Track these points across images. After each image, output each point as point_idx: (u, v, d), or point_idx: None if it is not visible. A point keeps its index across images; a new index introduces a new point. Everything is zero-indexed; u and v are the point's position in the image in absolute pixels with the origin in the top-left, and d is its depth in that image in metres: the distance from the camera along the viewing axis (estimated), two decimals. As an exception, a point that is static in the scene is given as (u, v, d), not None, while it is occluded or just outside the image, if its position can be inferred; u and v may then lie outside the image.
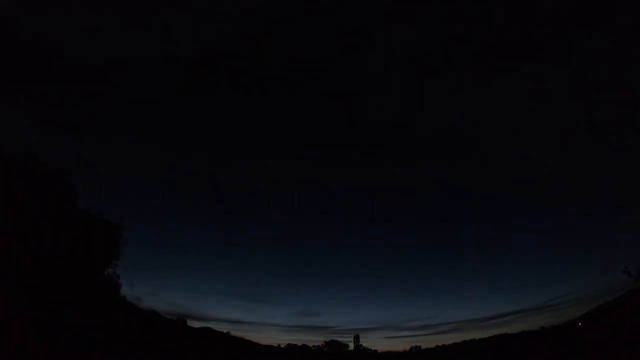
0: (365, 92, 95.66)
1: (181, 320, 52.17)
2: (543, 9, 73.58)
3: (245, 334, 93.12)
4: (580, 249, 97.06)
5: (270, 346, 71.62)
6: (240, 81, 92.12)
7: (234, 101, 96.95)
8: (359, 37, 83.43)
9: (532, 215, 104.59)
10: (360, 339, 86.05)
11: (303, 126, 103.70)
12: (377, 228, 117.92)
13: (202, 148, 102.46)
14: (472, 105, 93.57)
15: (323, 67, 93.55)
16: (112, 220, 33.43)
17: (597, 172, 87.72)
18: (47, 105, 69.03)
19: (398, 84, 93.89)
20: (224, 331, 61.50)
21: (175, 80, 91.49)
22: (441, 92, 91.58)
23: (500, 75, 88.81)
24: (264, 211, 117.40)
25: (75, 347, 21.59)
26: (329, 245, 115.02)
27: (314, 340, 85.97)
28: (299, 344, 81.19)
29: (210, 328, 58.31)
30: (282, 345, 77.42)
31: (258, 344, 66.35)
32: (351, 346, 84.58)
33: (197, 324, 58.87)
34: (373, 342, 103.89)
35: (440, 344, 79.27)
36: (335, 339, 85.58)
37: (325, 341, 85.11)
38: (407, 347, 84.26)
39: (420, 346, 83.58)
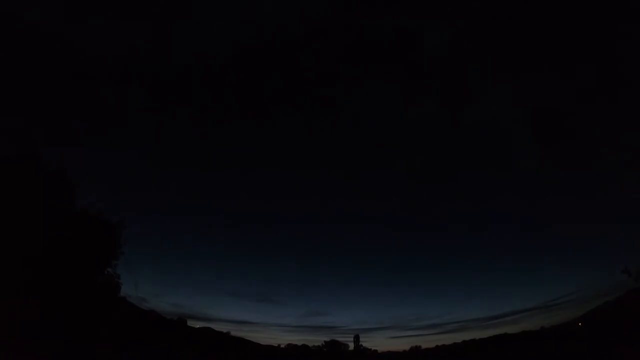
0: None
1: (181, 320, 52.15)
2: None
3: (251, 334, 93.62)
4: (580, 249, 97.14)
5: (271, 346, 71.66)
6: (249, 84, 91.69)
7: (238, 104, 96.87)
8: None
9: (532, 216, 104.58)
10: (367, 339, 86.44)
11: (308, 130, 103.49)
12: (381, 229, 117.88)
13: (207, 147, 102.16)
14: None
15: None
16: (112, 220, 33.45)
17: (597, 172, 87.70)
18: (48, 105, 68.97)
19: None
20: (224, 331, 61.55)
21: (175, 81, 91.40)
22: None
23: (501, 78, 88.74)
24: (271, 212, 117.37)
25: (74, 347, 21.58)
26: (335, 246, 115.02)
27: (321, 340, 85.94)
28: (299, 343, 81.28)
29: (210, 328, 58.41)
30: (282, 346, 77.48)
31: (258, 343, 66.42)
32: (351, 346, 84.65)
33: (203, 325, 59.05)
34: (378, 342, 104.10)
35: (440, 344, 79.39)
36: (336, 339, 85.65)
37: (325, 341, 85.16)
38: (411, 347, 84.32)
39: (420, 346, 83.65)
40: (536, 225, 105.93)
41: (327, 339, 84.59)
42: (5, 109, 49.96)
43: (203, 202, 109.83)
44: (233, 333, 64.08)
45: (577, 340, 45.50)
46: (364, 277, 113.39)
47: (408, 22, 76.77)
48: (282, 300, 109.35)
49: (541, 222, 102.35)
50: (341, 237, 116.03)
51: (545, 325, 64.88)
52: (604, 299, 59.10)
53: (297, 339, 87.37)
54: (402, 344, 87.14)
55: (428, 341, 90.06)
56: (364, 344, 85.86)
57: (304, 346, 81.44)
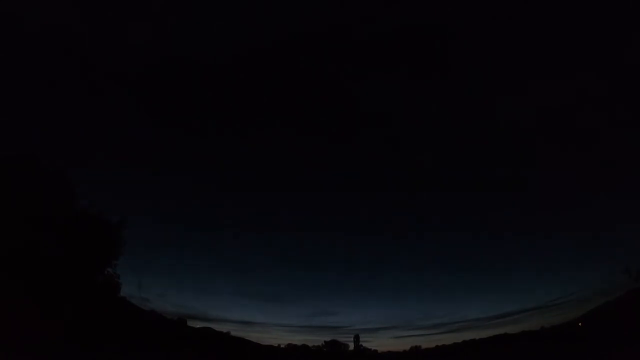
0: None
1: (181, 320, 52.17)
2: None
3: (257, 335, 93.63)
4: (580, 249, 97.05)
5: (271, 346, 71.67)
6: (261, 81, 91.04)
7: (245, 101, 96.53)
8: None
9: (532, 216, 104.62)
10: (371, 339, 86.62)
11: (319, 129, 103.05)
12: (384, 229, 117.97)
13: (210, 147, 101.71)
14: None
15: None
16: (112, 220, 33.52)
17: (597, 172, 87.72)
18: (48, 105, 68.95)
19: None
20: (224, 331, 61.57)
21: (176, 79, 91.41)
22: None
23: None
24: (278, 212, 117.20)
25: (74, 347, 21.58)
26: (341, 246, 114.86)
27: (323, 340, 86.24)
28: (299, 343, 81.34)
29: (210, 328, 58.38)
30: (282, 346, 77.50)
31: (258, 343, 66.41)
32: (351, 346, 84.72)
33: (205, 325, 59.11)
34: (383, 341, 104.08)
35: (440, 344, 79.43)
36: (336, 339, 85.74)
37: (325, 341, 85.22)
38: (411, 347, 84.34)
39: (420, 346, 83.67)
40: (536, 225, 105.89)
41: (331, 339, 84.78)
42: (5, 109, 50.04)
43: (208, 201, 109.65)
44: (237, 333, 64.25)
45: (577, 340, 45.50)
46: (371, 277, 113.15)
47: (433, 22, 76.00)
48: (289, 300, 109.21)
49: (542, 223, 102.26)
50: (348, 238, 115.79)
51: (545, 325, 64.93)
52: (604, 299, 59.21)
53: (304, 339, 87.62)
54: (406, 344, 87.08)
55: (428, 341, 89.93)
56: (368, 344, 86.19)
57: (304, 346, 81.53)
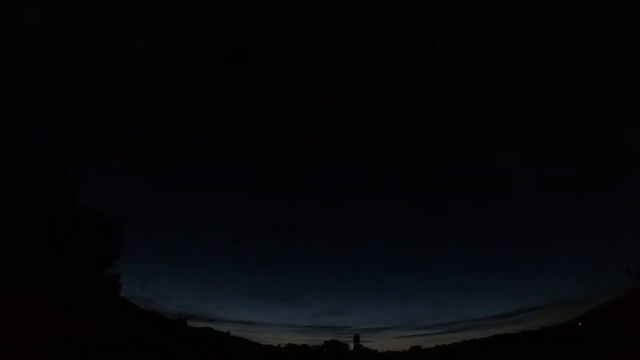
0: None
1: (181, 320, 52.20)
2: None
3: (263, 335, 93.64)
4: (581, 249, 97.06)
5: (271, 346, 71.67)
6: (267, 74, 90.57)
7: (250, 94, 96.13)
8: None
9: (532, 216, 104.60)
10: (374, 339, 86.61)
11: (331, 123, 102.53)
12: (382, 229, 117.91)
13: (215, 145, 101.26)
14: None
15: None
16: (112, 220, 33.51)
17: (597, 172, 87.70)
18: (48, 105, 68.95)
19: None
20: (224, 331, 61.59)
21: (176, 79, 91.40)
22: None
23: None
24: (281, 212, 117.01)
25: (74, 347, 21.59)
26: (348, 246, 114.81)
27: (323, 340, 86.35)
28: (299, 343, 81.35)
29: (210, 328, 58.38)
30: (282, 346, 77.51)
31: (258, 343, 66.41)
32: (351, 346, 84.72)
33: (213, 326, 59.18)
34: (387, 341, 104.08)
35: (440, 344, 79.40)
36: (336, 339, 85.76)
37: (325, 341, 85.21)
38: (411, 347, 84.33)
39: (420, 346, 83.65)
40: (536, 225, 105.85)
41: (331, 339, 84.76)
42: (5, 109, 50.04)
43: (213, 201, 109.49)
44: (242, 334, 64.39)
45: (577, 340, 45.50)
46: (373, 277, 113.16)
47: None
48: (296, 300, 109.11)
49: (542, 223, 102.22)
50: (355, 237, 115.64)
51: (545, 325, 64.90)
52: (604, 299, 59.20)
53: (310, 339, 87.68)
54: (410, 343, 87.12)
55: (429, 341, 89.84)
56: (372, 344, 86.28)
57: (304, 346, 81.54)
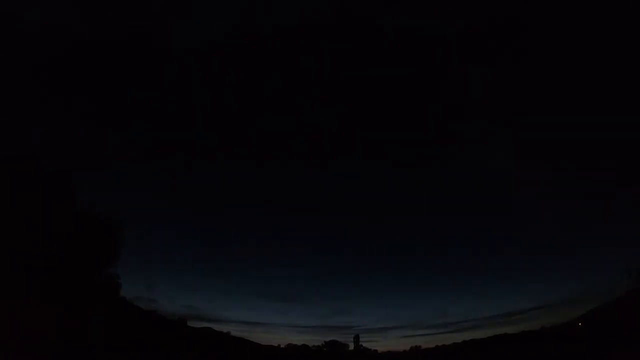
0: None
1: (181, 320, 52.20)
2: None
3: (266, 336, 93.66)
4: (580, 249, 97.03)
5: (271, 346, 71.71)
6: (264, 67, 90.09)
7: (249, 94, 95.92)
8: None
9: (532, 216, 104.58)
10: (381, 339, 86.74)
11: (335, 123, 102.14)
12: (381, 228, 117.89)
13: (218, 142, 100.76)
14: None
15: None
16: (112, 220, 33.52)
17: (597, 172, 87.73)
18: (48, 105, 68.91)
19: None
20: (224, 331, 61.61)
21: (176, 79, 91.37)
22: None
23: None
24: (285, 212, 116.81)
25: (74, 347, 21.59)
26: (353, 246, 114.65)
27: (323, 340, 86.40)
28: (299, 343, 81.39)
29: (210, 328, 58.37)
30: (282, 346, 77.55)
31: (258, 344, 66.43)
32: (351, 346, 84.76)
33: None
34: (392, 341, 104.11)
35: (440, 344, 79.42)
36: (336, 339, 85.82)
37: (325, 341, 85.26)
38: (411, 347, 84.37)
39: (420, 346, 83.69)
40: (536, 225, 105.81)
41: (331, 339, 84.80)
42: (5, 109, 50.05)
43: (218, 201, 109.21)
44: (247, 334, 64.50)
45: (577, 341, 45.53)
46: (384, 276, 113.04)
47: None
48: (299, 300, 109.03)
49: (542, 223, 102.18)
50: (363, 236, 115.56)
51: (545, 325, 64.90)
52: (604, 299, 59.20)
53: (318, 339, 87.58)
54: (417, 343, 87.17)
55: (428, 341, 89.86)
56: (376, 344, 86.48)
57: (304, 346, 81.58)
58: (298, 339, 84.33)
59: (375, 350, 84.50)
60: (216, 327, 60.60)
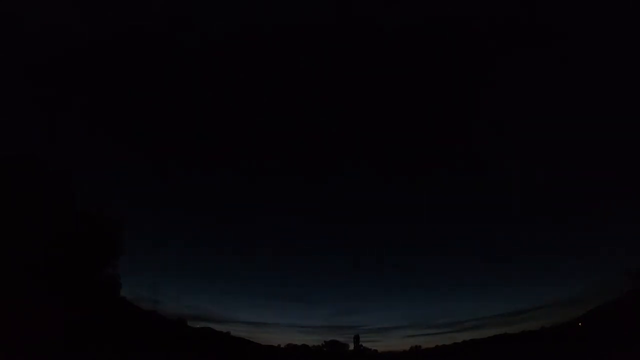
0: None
1: (181, 320, 52.19)
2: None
3: (271, 336, 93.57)
4: (580, 248, 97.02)
5: (271, 346, 71.68)
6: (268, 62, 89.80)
7: (250, 92, 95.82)
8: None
9: (532, 216, 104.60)
10: (383, 339, 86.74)
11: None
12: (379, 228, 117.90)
13: (222, 141, 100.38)
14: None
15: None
16: (112, 220, 33.55)
17: (597, 172, 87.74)
18: (48, 105, 68.93)
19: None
20: (224, 331, 61.58)
21: (176, 78, 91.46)
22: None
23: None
24: (289, 211, 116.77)
25: (74, 347, 21.59)
26: (364, 245, 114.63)
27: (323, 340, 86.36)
28: (299, 343, 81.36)
29: (210, 328, 58.37)
30: (282, 346, 77.53)
31: (258, 344, 66.41)
32: (351, 346, 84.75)
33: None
34: (397, 341, 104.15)
35: (440, 344, 79.41)
36: (336, 339, 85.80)
37: (325, 341, 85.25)
38: (411, 347, 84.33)
39: (420, 346, 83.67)
40: (536, 225, 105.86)
41: (331, 339, 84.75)
42: (5, 109, 50.06)
43: (223, 201, 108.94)
44: (253, 335, 64.44)
45: (577, 340, 45.54)
46: (384, 276, 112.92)
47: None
48: (308, 300, 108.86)
49: (542, 223, 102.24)
50: (363, 236, 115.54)
51: (545, 325, 64.89)
52: (604, 299, 59.23)
53: (323, 339, 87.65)
54: (422, 343, 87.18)
55: (428, 341, 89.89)
56: (380, 344, 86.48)
57: (304, 346, 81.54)
58: (304, 339, 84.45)
59: (375, 350, 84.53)
60: (220, 327, 60.82)
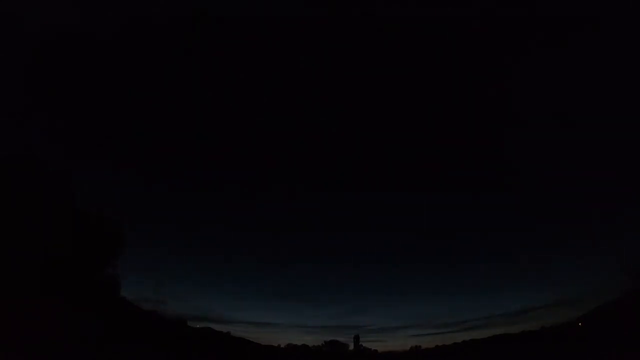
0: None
1: (181, 320, 52.21)
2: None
3: (276, 336, 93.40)
4: (580, 248, 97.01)
5: (270, 346, 71.71)
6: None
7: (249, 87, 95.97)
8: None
9: (532, 215, 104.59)
10: (387, 339, 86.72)
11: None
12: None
13: (225, 140, 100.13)
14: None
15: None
16: (112, 220, 33.62)
17: (597, 170, 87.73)
18: (48, 105, 68.95)
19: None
20: (224, 331, 61.60)
21: (177, 78, 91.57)
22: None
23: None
24: (292, 212, 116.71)
25: (73, 347, 21.60)
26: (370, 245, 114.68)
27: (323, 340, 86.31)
28: (297, 343, 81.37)
29: (210, 328, 58.40)
30: (282, 346, 77.55)
31: (258, 344, 66.45)
32: (351, 346, 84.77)
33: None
34: (401, 341, 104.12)
35: (440, 344, 79.38)
36: (336, 339, 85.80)
37: (325, 341, 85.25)
38: (411, 347, 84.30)
39: (420, 346, 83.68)
40: (536, 225, 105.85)
41: (331, 339, 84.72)
42: (5, 109, 50.08)
43: (228, 200, 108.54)
44: (257, 335, 64.41)
45: (577, 340, 45.55)
46: (385, 276, 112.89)
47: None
48: (314, 301, 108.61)
49: (542, 223, 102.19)
50: (363, 236, 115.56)
51: (545, 325, 64.88)
52: (604, 299, 59.20)
53: (327, 338, 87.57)
54: (418, 343, 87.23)
55: (428, 341, 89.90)
56: (383, 343, 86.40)
57: (304, 346, 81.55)
58: (306, 339, 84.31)
59: (376, 351, 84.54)
60: (221, 327, 60.75)
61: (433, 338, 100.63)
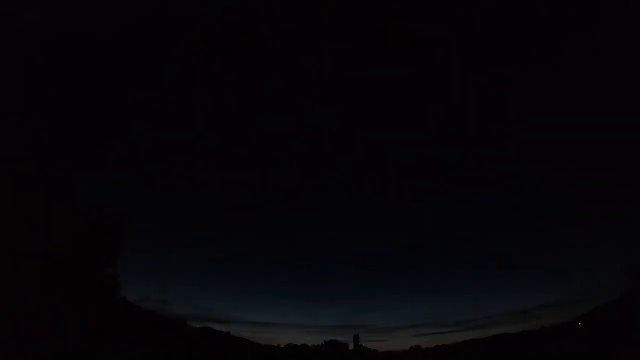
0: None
1: (181, 320, 52.19)
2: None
3: (279, 336, 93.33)
4: (580, 248, 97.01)
5: (271, 346, 71.73)
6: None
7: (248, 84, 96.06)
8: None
9: (533, 216, 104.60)
10: (389, 338, 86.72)
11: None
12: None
13: (228, 140, 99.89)
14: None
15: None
16: (112, 220, 33.59)
17: (596, 170, 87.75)
18: (48, 105, 68.94)
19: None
20: (224, 331, 61.60)
21: (177, 78, 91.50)
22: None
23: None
24: (294, 211, 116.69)
25: (74, 347, 21.61)
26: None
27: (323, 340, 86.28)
28: (299, 343, 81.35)
29: (210, 328, 58.40)
30: (282, 346, 77.55)
31: (258, 344, 66.48)
32: (351, 346, 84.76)
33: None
34: (403, 341, 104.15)
35: (440, 344, 79.36)
36: (336, 339, 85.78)
37: (325, 341, 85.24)
38: (411, 347, 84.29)
39: (420, 346, 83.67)
40: (536, 225, 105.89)
41: (331, 339, 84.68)
42: (5, 109, 50.10)
43: (229, 200, 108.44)
44: (260, 335, 64.37)
45: (577, 340, 45.57)
46: (384, 277, 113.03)
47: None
48: (320, 301, 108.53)
49: (542, 223, 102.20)
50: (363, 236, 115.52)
51: (545, 325, 64.89)
52: (604, 299, 59.20)
53: (332, 338, 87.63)
54: (431, 342, 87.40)
55: (428, 341, 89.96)
56: (386, 343, 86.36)
57: (304, 346, 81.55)
58: (308, 339, 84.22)
59: (376, 351, 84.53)
60: (222, 327, 60.71)
61: (433, 338, 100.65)
